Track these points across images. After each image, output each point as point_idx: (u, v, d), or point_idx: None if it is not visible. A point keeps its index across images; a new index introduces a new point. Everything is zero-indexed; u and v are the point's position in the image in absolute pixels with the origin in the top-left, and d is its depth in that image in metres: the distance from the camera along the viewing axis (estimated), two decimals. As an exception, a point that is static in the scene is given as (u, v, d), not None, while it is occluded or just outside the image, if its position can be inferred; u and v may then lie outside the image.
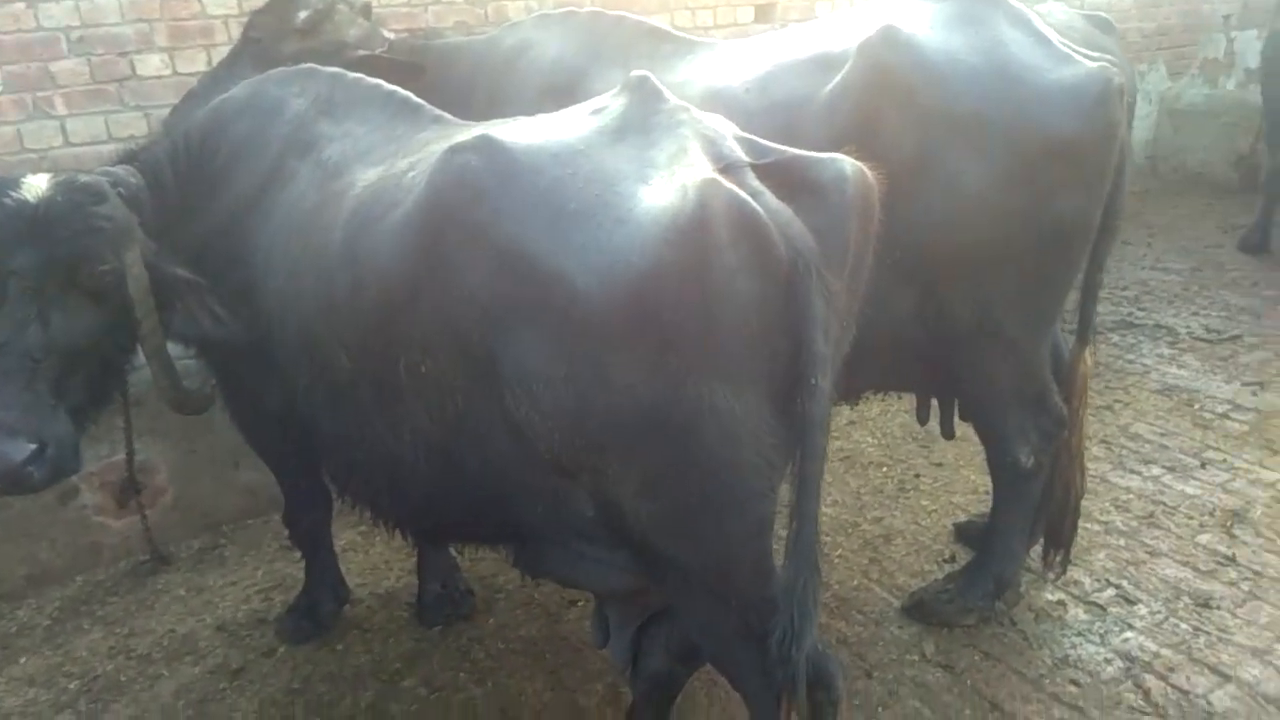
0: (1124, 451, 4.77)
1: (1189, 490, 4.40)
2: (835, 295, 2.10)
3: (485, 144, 2.26)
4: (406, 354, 2.38)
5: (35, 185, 2.67)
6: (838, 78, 3.08)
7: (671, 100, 2.32)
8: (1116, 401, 5.26)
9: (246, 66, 3.88)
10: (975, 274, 3.10)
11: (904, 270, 3.13)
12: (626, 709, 3.10)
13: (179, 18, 4.87)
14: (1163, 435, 4.91)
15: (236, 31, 4.40)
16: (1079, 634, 3.56)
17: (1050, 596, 3.78)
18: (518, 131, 2.36)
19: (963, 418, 3.67)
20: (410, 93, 3.15)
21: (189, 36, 4.78)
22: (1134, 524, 4.19)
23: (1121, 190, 3.08)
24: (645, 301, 2.02)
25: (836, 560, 4.12)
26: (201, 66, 4.69)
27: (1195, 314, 6.35)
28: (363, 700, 3.46)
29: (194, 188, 3.18)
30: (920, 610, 3.70)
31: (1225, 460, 4.62)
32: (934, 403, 3.82)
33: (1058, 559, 3.67)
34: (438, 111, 2.99)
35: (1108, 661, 3.41)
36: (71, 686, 3.62)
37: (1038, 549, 3.77)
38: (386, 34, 4.12)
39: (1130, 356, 5.79)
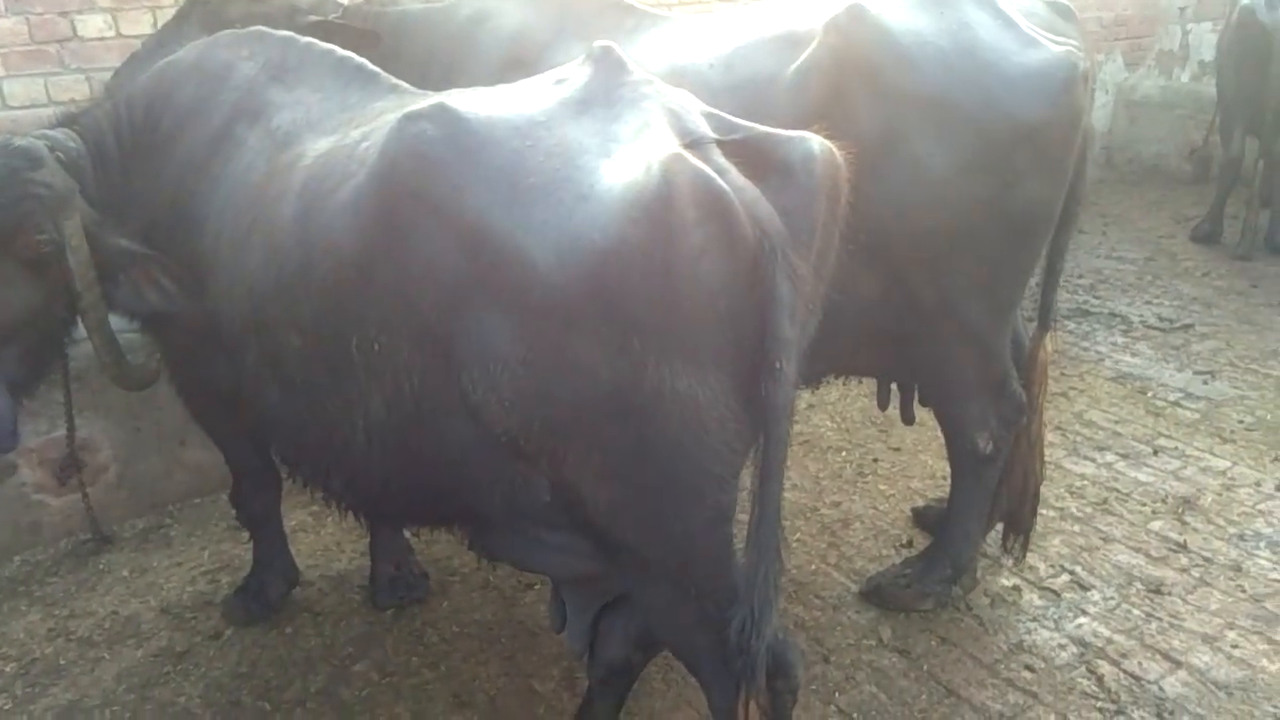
0: (1078, 438, 4.81)
1: (1141, 477, 4.45)
2: (802, 278, 2.05)
3: (441, 113, 2.18)
4: (360, 333, 2.29)
5: None
6: (804, 55, 3.03)
7: (636, 72, 2.25)
8: (1071, 389, 5.31)
9: (193, 28, 3.74)
10: (938, 259, 3.08)
11: (868, 254, 3.09)
12: (583, 694, 3.06)
13: (120, -24, 4.70)
14: (1116, 422, 4.96)
15: (184, -7, 4.24)
16: (1033, 619, 3.58)
17: (1006, 582, 3.80)
18: (476, 101, 2.27)
19: (923, 403, 3.66)
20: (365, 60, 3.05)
21: (131, -4, 4.62)
22: (1088, 510, 4.22)
23: (1083, 177, 3.07)
24: (607, 281, 1.96)
25: (795, 545, 4.11)
26: (147, 29, 4.53)
27: (1149, 303, 6.43)
28: (312, 685, 3.38)
29: (138, 154, 3.05)
30: (878, 595, 3.70)
31: (1177, 448, 4.68)
32: (894, 388, 3.81)
33: (1017, 544, 3.69)
34: (394, 80, 2.90)
35: (1061, 647, 3.43)
36: (8, 670, 3.50)
37: (995, 534, 3.79)
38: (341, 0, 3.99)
39: (1085, 344, 5.84)
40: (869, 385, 4.03)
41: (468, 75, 3.56)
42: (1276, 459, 4.53)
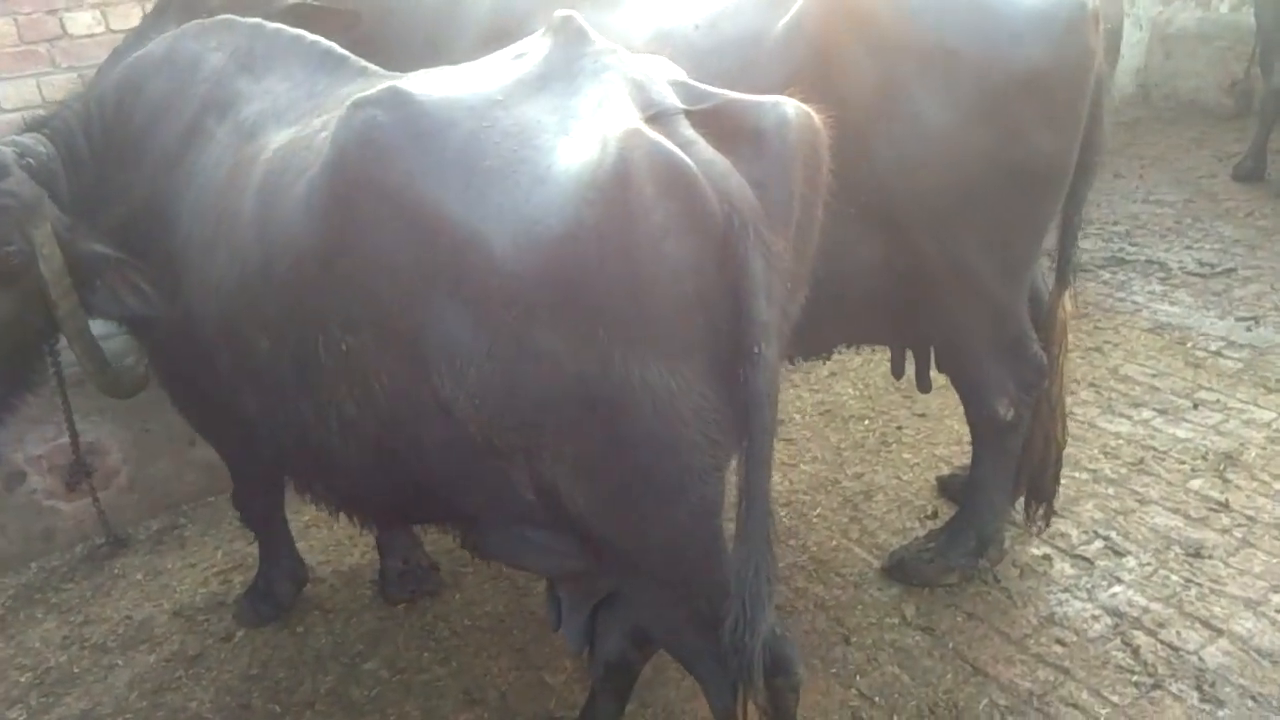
0: (1113, 395, 4.61)
1: (1180, 434, 4.25)
2: (778, 254, 1.90)
3: (392, 97, 2.06)
4: (325, 334, 2.19)
5: None
6: (792, 10, 2.85)
7: (598, 42, 2.11)
8: (1106, 342, 5.08)
9: (172, 20, 3.62)
10: (943, 218, 2.90)
11: (870, 216, 2.95)
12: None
13: (109, -29, 4.61)
14: (1153, 376, 4.73)
15: (170, -16, 4.13)
16: (1065, 590, 3.43)
17: (1035, 551, 3.64)
18: (430, 82, 2.15)
19: (939, 369, 3.50)
20: (338, 44, 2.92)
21: (121, -8, 4.53)
22: (1123, 471, 4.04)
23: (1100, 124, 2.87)
24: (566, 268, 1.83)
25: (815, 520, 3.98)
26: (136, 22, 4.43)
27: (1188, 248, 6.14)
28: (322, 685, 3.33)
29: (110, 154, 2.97)
30: (900, 570, 3.56)
31: (1218, 400, 4.46)
32: (910, 355, 3.64)
33: (1040, 513, 3.52)
34: (364, 63, 2.77)
35: (1095, 618, 3.28)
36: (23, 680, 3.49)
37: (1023, 502, 3.62)
38: (319, -17, 3.85)
39: (1120, 294, 5.59)
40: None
41: (451, 50, 3.42)
42: (1325, 408, 4.30)
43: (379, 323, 2.10)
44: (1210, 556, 3.49)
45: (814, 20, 2.80)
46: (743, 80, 2.87)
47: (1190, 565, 3.46)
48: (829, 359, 3.80)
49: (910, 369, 3.62)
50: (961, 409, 3.43)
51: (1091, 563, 3.54)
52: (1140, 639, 3.16)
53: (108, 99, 3.00)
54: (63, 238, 2.69)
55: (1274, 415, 4.30)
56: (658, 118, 1.92)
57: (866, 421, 4.67)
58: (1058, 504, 3.60)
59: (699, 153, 1.88)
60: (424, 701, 3.22)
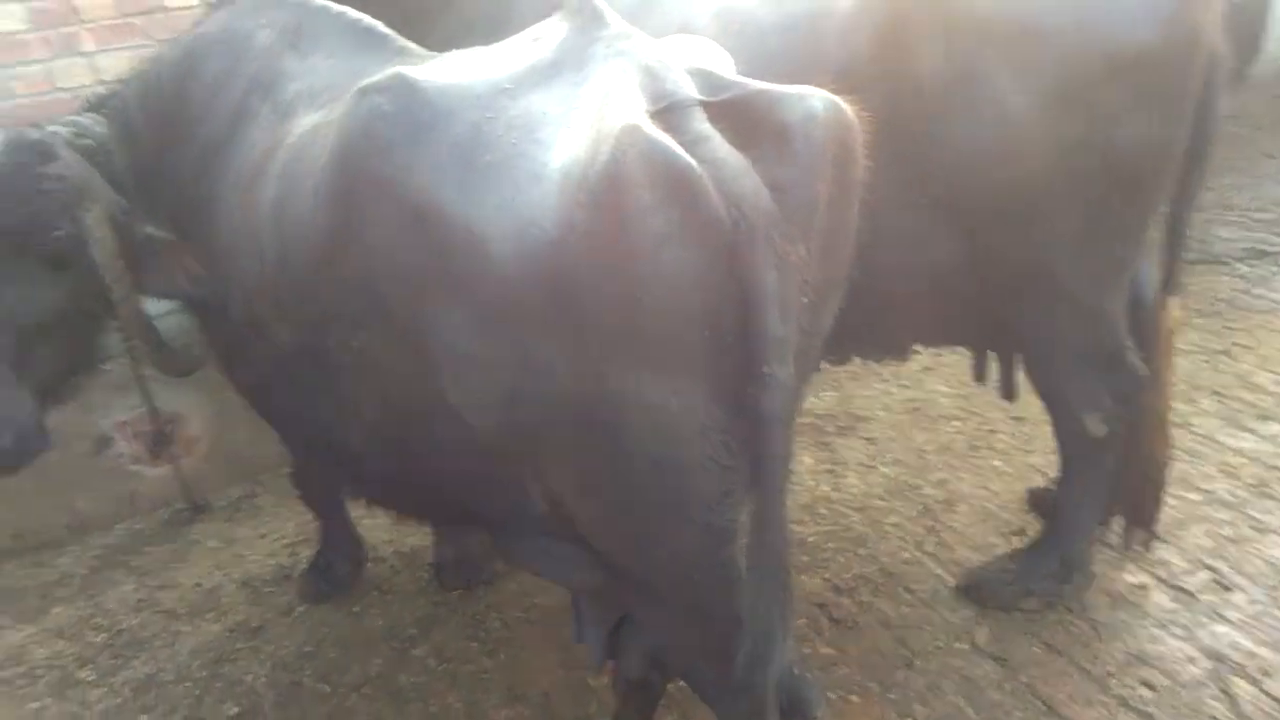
0: (1239, 405, 4.16)
1: (1314, 454, 3.81)
2: (796, 264, 1.71)
3: (397, 84, 1.96)
4: (338, 329, 2.13)
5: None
6: (861, -14, 2.61)
7: (614, 25, 1.93)
8: (1236, 345, 4.60)
9: (242, -8, 3.63)
10: (1026, 214, 2.63)
11: (943, 210, 2.72)
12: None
13: (207, -55, 4.67)
14: (1289, 385, 4.27)
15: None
16: (1159, 625, 3.10)
17: (1130, 579, 3.31)
18: (440, 68, 2.04)
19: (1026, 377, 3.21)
20: (394, 17, 2.85)
21: (218, -36, 4.57)
22: (1241, 494, 3.64)
23: (1213, 110, 2.52)
24: (557, 275, 1.70)
25: (889, 528, 3.75)
26: (230, -3, 4.48)
27: (1346, 240, 5.52)
28: (371, 668, 3.34)
29: (167, 133, 2.95)
30: (976, 591, 3.30)
31: (1364, 417, 3.98)
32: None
33: (1138, 538, 3.20)
34: (404, 43, 2.68)
35: (1190, 660, 2.96)
36: (97, 640, 3.63)
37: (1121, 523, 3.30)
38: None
39: (1259, 291, 5.06)
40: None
41: (511, 28, 3.31)
42: None
43: (386, 321, 2.01)
44: (1335, 598, 3.11)
45: (883, -2, 2.56)
46: (804, 61, 2.69)
47: (1310, 606, 3.09)
48: (904, 361, 3.54)
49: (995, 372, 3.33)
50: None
51: (1193, 596, 3.19)
52: (1241, 688, 2.83)
53: (165, 77, 3.00)
54: (117, 220, 2.69)
55: None
56: (669, 110, 1.74)
57: (957, 423, 4.37)
58: (1161, 528, 3.26)
59: (710, 150, 1.70)
60: (467, 694, 3.18)
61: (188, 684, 3.36)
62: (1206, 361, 4.43)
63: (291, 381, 2.43)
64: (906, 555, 3.59)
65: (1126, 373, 2.90)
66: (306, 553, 3.94)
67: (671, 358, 1.71)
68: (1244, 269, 5.28)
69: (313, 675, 3.34)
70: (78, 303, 2.70)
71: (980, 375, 3.35)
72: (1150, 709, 2.81)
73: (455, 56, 2.19)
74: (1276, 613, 3.08)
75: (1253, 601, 3.13)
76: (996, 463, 4.03)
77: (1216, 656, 2.95)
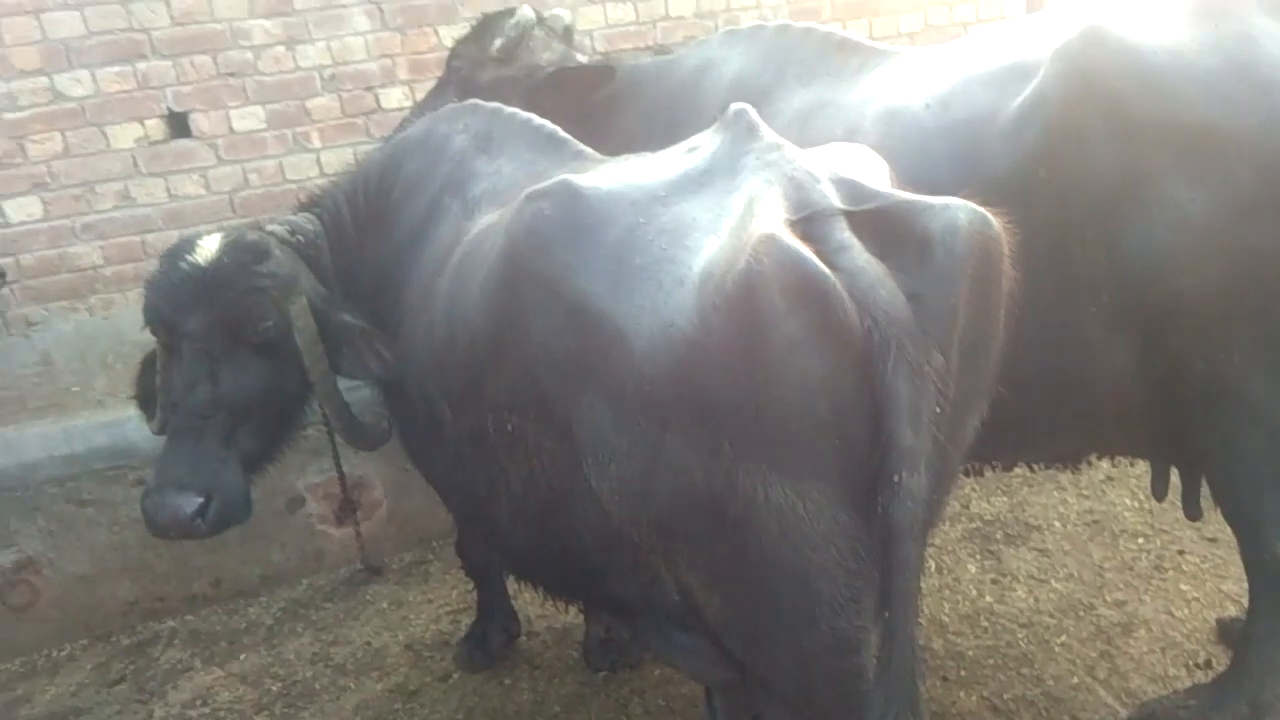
0: None
1: None
2: (930, 374, 1.71)
3: (561, 190, 2.10)
4: (494, 412, 2.27)
5: (207, 248, 2.80)
6: (1029, 89, 2.59)
7: (767, 136, 2.02)
8: None
9: (449, 95, 3.98)
10: (1208, 324, 2.50)
11: (1115, 317, 2.63)
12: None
13: (418, 51, 5.17)
14: None
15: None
16: (1364, 786, 2.77)
17: (1333, 729, 2.97)
18: (602, 174, 2.18)
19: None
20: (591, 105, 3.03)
21: (427, 69, 5.03)
22: None
23: None
24: (694, 376, 1.77)
25: (1057, 649, 3.53)
26: (440, 101, 4.91)
27: None
28: (515, 742, 3.43)
29: (371, 226, 3.25)
30: (1149, 726, 3.05)
31: None
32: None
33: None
34: (580, 147, 2.87)
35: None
36: (274, 689, 3.90)
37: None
38: (580, 57, 4.07)
39: None
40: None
41: (689, 127, 3.46)
42: None
43: (539, 407, 2.13)
44: None
45: (1053, 99, 2.53)
46: (970, 165, 2.69)
47: None
48: (1077, 470, 3.36)
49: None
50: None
51: None
52: None
53: (372, 176, 3.32)
54: (317, 308, 2.93)
55: None
56: (811, 219, 1.80)
57: (1141, 540, 4.08)
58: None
59: (849, 260, 1.74)
60: (603, 777, 3.21)
61: (348, 739, 3.56)
62: None
63: (453, 455, 2.59)
64: (1075, 680, 3.36)
65: (1324, 499, 2.65)
66: (467, 620, 4.10)
67: (800, 461, 1.74)
68: None
69: (461, 743, 3.46)
70: (281, 383, 2.95)
71: (1160, 490, 3.14)
72: None
73: (620, 164, 2.34)
74: None
75: None
76: (1184, 586, 3.74)
77: None
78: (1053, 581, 3.91)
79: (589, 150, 2.84)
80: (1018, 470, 4.36)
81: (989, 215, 1.81)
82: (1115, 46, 2.46)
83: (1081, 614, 3.68)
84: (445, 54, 4.34)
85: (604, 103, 3.90)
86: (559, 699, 3.60)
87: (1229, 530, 3.82)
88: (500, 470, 2.35)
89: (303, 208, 3.30)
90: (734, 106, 2.12)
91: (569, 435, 2.06)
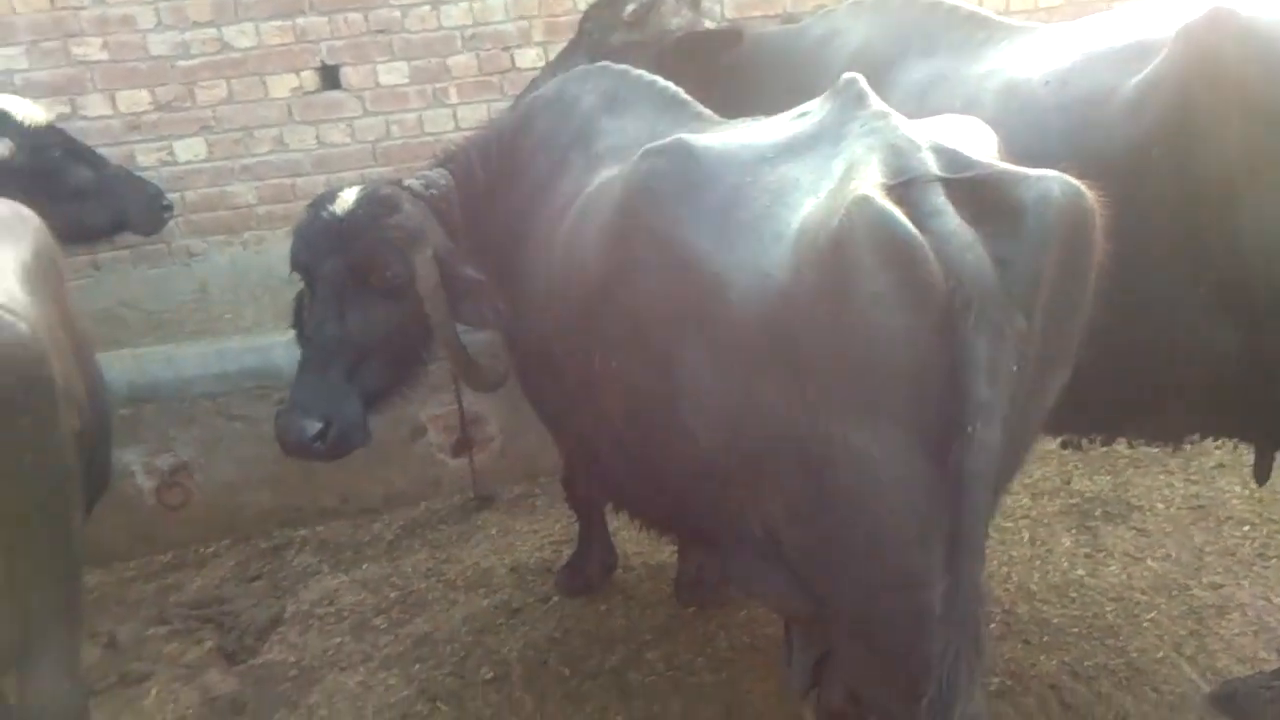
0: None
1: None
2: (1010, 336, 1.81)
3: (677, 148, 2.27)
4: (601, 351, 2.47)
5: (345, 199, 3.09)
6: (1148, 69, 2.60)
7: (874, 105, 2.13)
8: None
9: (580, 58, 4.16)
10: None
11: (1223, 300, 2.63)
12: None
13: (554, 14, 5.38)
14: None
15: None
16: None
17: None
18: (716, 135, 2.33)
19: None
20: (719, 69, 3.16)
21: (562, 31, 5.22)
22: None
23: None
24: (784, 324, 1.92)
25: (1146, 624, 3.56)
26: (575, 60, 5.10)
27: None
28: (608, 662, 3.67)
29: (501, 181, 3.46)
30: (1231, 703, 3.09)
31: None
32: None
33: None
34: (700, 108, 3.02)
35: None
36: (392, 595, 4.25)
37: None
38: (708, 23, 4.19)
39: None
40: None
41: (809, 95, 3.55)
42: None
43: (642, 347, 2.32)
44: None
45: (1169, 81, 2.54)
46: (1084, 144, 2.72)
47: None
48: (1176, 450, 3.37)
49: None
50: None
51: None
52: None
53: (505, 133, 3.52)
54: (442, 260, 3.14)
55: None
56: (908, 184, 1.91)
57: (1247, 528, 4.04)
58: None
59: (940, 224, 1.85)
60: (686, 703, 3.42)
61: (454, 645, 3.87)
62: None
63: (563, 393, 2.82)
64: (1160, 654, 3.40)
65: None
66: (568, 550, 4.36)
67: (880, 409, 1.88)
68: None
69: (557, 658, 3.72)
70: (403, 327, 3.19)
71: (1262, 475, 3.13)
72: None
73: (734, 126, 2.48)
74: None
75: None
76: (1286, 575, 3.70)
77: None
78: (1149, 560, 3.92)
79: (708, 112, 2.99)
80: (1124, 451, 4.41)
81: (1083, 188, 1.89)
82: (1241, 29, 2.45)
83: (1175, 593, 3.70)
84: (579, 17, 4.53)
85: (730, 68, 4.01)
86: (650, 628, 3.83)
87: (1339, 524, 3.78)
88: (604, 406, 2.55)
89: (438, 163, 3.53)
90: (845, 76, 2.23)
91: (668, 375, 2.24)
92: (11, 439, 2.36)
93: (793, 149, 2.16)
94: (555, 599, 4.09)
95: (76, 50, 5.10)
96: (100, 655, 4.01)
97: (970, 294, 1.78)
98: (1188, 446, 3.31)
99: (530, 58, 5.39)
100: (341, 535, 4.78)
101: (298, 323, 3.32)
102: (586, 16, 4.26)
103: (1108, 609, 3.66)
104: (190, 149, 5.40)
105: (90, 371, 2.99)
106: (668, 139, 2.31)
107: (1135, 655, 3.40)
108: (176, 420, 4.72)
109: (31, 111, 4.37)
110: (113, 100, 5.27)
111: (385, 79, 5.44)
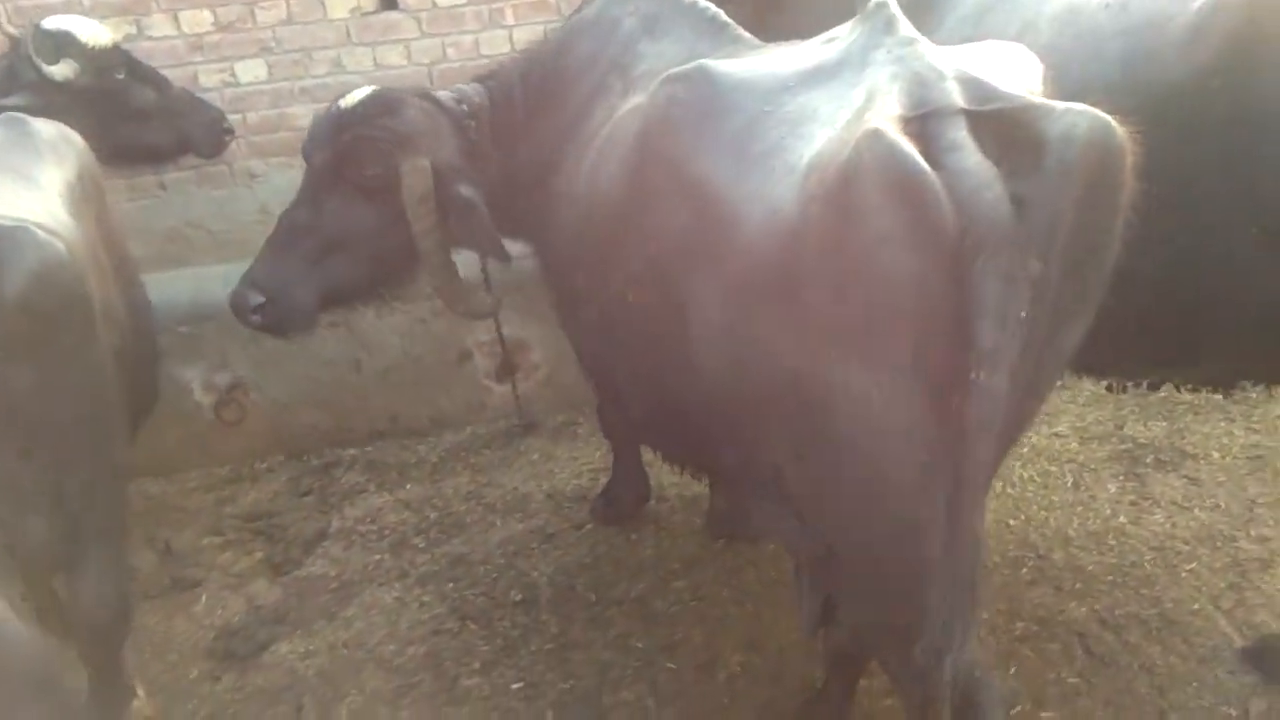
0: None
1: None
2: (1025, 279, 1.74)
3: (696, 74, 2.21)
4: (621, 282, 2.45)
5: (354, 96, 3.12)
6: (1212, -8, 2.43)
7: (902, 31, 2.03)
8: None
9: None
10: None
11: (1277, 242, 2.48)
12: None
13: (614, -69, 5.20)
14: None
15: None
16: None
17: None
18: (740, 62, 2.26)
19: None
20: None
21: (620, -51, 5.07)
22: None
23: None
24: (791, 260, 1.88)
25: (1184, 574, 3.48)
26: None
27: None
28: (634, 590, 3.73)
29: (541, 103, 3.42)
30: (1262, 659, 3.02)
31: None
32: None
33: None
34: (739, 31, 2.93)
35: None
36: (431, 516, 4.36)
37: None
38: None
39: None
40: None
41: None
42: None
43: (659, 280, 2.29)
44: None
45: (1233, 6, 2.37)
46: (1141, 72, 2.57)
47: None
48: (1230, 395, 3.23)
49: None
50: None
51: None
52: None
53: (548, 55, 3.46)
54: (440, 175, 3.08)
55: None
56: (928, 117, 1.82)
57: (1304, 481, 3.89)
58: None
59: (957, 160, 1.77)
60: (710, 633, 3.46)
61: (488, 567, 3.97)
62: None
63: (586, 323, 2.81)
64: (1196, 606, 3.32)
65: None
66: (605, 479, 4.41)
67: (881, 351, 1.83)
68: None
69: (585, 584, 3.80)
70: (380, 231, 3.17)
71: (1311, 428, 3.00)
72: None
73: (766, 51, 2.40)
74: None
75: None
76: (1339, 532, 3.57)
77: None
78: (1196, 510, 3.81)
79: (747, 36, 2.90)
80: (1184, 397, 4.25)
81: (1112, 123, 1.78)
82: (1314, -53, 2.28)
83: (1219, 545, 3.60)
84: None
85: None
86: (679, 558, 3.87)
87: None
88: (623, 338, 2.55)
89: (479, 79, 3.50)
90: (875, 1, 2.13)
91: (682, 309, 2.22)
92: (52, 354, 2.46)
93: (816, 77, 2.08)
94: (589, 526, 4.15)
95: (142, -30, 5.15)
96: (157, 561, 4.21)
97: (982, 236, 1.71)
98: (1253, 394, 3.18)
99: (588, -23, 5.26)
100: (389, 455, 4.89)
101: None
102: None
103: (1146, 558, 3.58)
104: (251, 70, 5.43)
105: (132, 291, 3.09)
106: (690, 65, 2.25)
107: (1170, 606, 3.32)
108: (235, 339, 4.84)
109: (96, 32, 4.42)
110: (176, 21, 5.32)
111: (443, 0, 5.38)
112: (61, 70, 4.09)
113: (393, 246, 3.18)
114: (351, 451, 4.95)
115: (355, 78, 5.43)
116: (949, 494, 1.86)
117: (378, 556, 4.10)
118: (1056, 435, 4.40)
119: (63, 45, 4.14)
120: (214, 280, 4.75)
